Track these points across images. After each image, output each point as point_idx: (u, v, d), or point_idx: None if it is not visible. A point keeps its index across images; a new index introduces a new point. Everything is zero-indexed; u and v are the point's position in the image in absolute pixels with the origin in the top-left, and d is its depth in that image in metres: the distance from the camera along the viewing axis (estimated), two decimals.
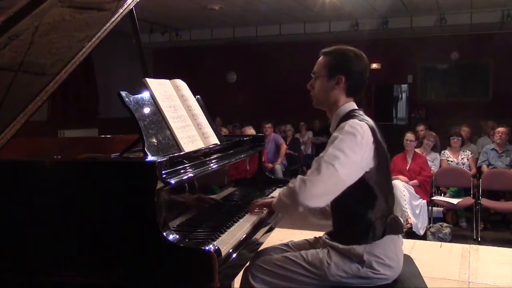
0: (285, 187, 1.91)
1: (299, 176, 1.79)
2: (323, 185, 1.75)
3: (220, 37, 10.75)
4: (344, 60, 1.97)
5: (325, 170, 1.75)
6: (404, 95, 12.63)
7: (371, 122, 1.92)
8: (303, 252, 1.97)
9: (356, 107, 2.01)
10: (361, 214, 1.90)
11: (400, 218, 2.04)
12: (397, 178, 5.44)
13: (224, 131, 7.35)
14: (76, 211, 1.59)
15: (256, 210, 2.08)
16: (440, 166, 6.21)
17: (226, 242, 1.69)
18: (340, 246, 1.91)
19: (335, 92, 1.98)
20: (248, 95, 11.39)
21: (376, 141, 1.87)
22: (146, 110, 1.87)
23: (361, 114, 1.95)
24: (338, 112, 1.99)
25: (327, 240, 1.99)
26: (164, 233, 1.50)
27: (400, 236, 1.98)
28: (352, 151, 1.78)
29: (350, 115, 1.94)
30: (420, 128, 7.40)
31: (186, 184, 1.82)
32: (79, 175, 1.63)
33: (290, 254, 1.97)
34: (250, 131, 6.84)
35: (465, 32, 9.69)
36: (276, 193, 2.54)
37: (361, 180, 1.84)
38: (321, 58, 2.04)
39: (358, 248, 1.88)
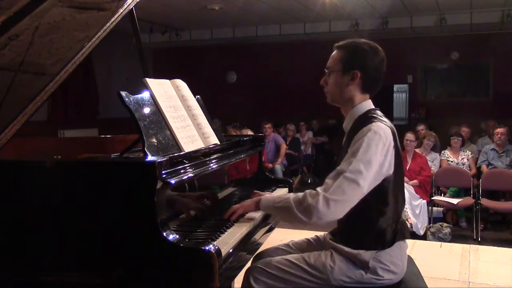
0: (285, 195, 1.81)
1: (322, 194, 1.68)
2: (347, 204, 1.68)
3: (220, 37, 10.75)
4: (359, 54, 1.88)
5: (350, 189, 1.67)
6: (404, 95, 12.63)
7: (391, 124, 1.84)
8: (305, 255, 1.92)
9: (373, 106, 1.92)
10: (372, 222, 1.83)
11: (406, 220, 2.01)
12: None
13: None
14: (76, 211, 1.59)
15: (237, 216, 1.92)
16: (440, 166, 6.21)
17: (226, 242, 1.68)
18: (346, 249, 1.85)
19: (350, 88, 1.88)
20: (248, 95, 11.38)
21: (396, 146, 1.81)
22: (146, 110, 1.87)
23: (380, 116, 1.87)
24: (354, 110, 1.91)
25: (330, 241, 1.94)
26: (164, 233, 1.50)
27: (406, 240, 1.94)
28: (375, 160, 1.71)
29: (368, 116, 1.85)
30: (421, 127, 7.40)
31: (186, 184, 1.82)
32: (79, 175, 1.63)
33: (292, 257, 1.93)
34: (248, 133, 6.83)
35: (465, 32, 9.68)
36: (276, 194, 2.54)
37: (378, 187, 1.76)
38: (335, 52, 1.94)
39: (365, 254, 1.82)
